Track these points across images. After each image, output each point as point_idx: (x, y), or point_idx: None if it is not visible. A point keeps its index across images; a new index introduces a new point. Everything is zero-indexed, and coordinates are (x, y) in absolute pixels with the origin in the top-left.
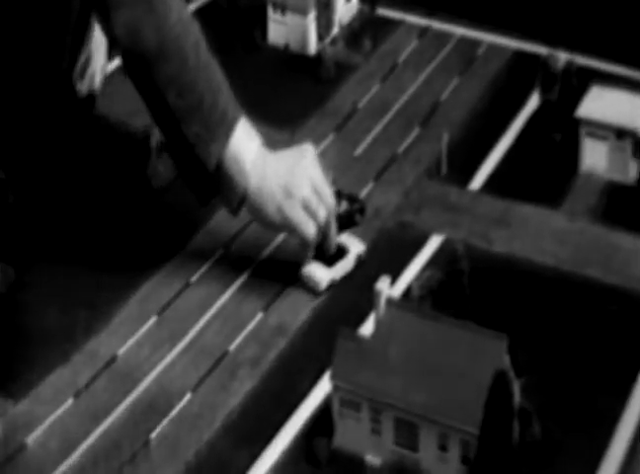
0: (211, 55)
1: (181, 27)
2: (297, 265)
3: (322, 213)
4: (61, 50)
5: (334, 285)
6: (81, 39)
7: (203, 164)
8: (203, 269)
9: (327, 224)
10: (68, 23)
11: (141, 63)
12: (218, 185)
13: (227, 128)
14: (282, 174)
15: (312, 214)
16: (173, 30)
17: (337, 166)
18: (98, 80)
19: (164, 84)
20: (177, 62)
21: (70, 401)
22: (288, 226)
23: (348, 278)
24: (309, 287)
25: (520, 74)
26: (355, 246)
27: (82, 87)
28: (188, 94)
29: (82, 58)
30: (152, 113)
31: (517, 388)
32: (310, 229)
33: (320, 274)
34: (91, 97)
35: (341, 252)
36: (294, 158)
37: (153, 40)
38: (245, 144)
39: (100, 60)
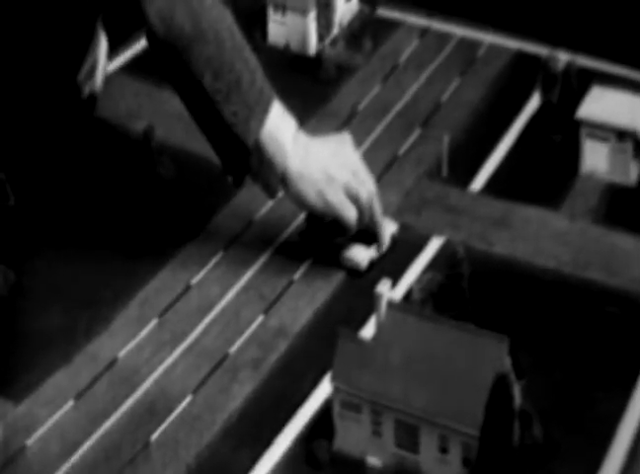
0: (245, 39)
1: (215, 9)
2: (298, 265)
3: (364, 197)
4: (67, 54)
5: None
6: (88, 42)
7: (243, 142)
8: (204, 271)
9: (371, 208)
10: (75, 26)
11: (176, 49)
12: (257, 166)
13: (265, 106)
14: (324, 159)
15: (354, 199)
16: (209, 12)
17: None
18: (99, 81)
19: (201, 67)
20: (214, 44)
21: (71, 403)
22: (330, 210)
23: (348, 281)
24: (350, 268)
25: (521, 75)
26: (388, 226)
27: (86, 88)
28: (226, 74)
29: (89, 62)
30: (185, 99)
31: (517, 390)
32: (352, 213)
33: (361, 254)
34: (92, 98)
35: (374, 233)
36: (336, 144)
37: (188, 24)
38: (283, 123)
39: (101, 61)
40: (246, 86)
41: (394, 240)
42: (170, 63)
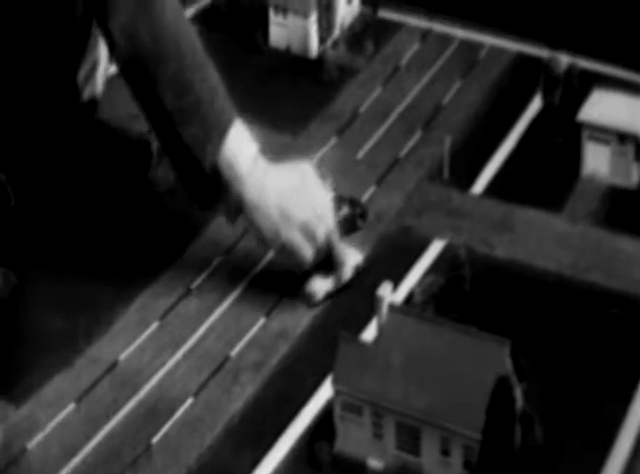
0: (208, 56)
1: (176, 26)
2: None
3: (321, 235)
4: (64, 55)
5: (333, 296)
6: (84, 43)
7: (200, 166)
8: (205, 274)
9: (329, 242)
10: (71, 27)
11: (139, 66)
12: (217, 190)
13: (223, 128)
14: (283, 193)
15: (310, 237)
16: (169, 29)
17: (338, 170)
18: (100, 84)
19: (162, 85)
20: (174, 62)
21: (71, 406)
22: (285, 247)
23: (348, 285)
24: (305, 298)
25: (522, 77)
26: (352, 256)
27: (85, 92)
28: (185, 94)
29: (88, 63)
30: (149, 116)
31: (519, 393)
32: (308, 252)
33: (318, 285)
34: (93, 101)
35: (338, 262)
36: (296, 178)
37: (150, 42)
38: (240, 148)
39: (102, 64)
40: (205, 107)
41: (357, 271)
42: (135, 81)
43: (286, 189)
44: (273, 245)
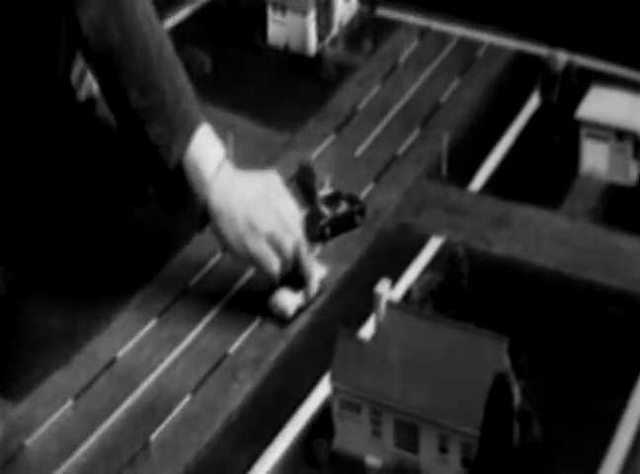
0: (177, 57)
1: (146, 24)
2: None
3: (288, 246)
4: (55, 55)
5: (303, 310)
6: (72, 43)
7: (166, 166)
8: (203, 271)
9: (297, 254)
10: (59, 28)
11: (107, 61)
12: (182, 194)
13: (189, 130)
14: (249, 202)
15: (277, 248)
16: (138, 26)
17: (337, 167)
18: (95, 83)
19: (128, 82)
20: (141, 60)
21: (70, 403)
22: (250, 258)
23: (347, 282)
24: (277, 315)
25: (521, 75)
26: (317, 270)
27: (81, 92)
28: (151, 93)
29: (80, 63)
30: (116, 114)
31: (517, 390)
32: (274, 264)
33: (288, 300)
34: (90, 101)
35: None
36: (263, 185)
37: (118, 38)
38: (206, 151)
39: None
40: (170, 107)
41: (323, 284)
42: (101, 76)
43: (253, 197)
44: (239, 255)
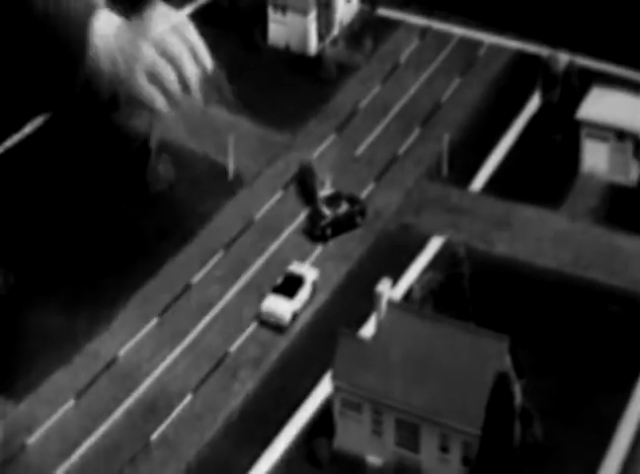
0: None
1: None
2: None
3: (171, 77)
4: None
5: (299, 315)
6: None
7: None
8: (204, 270)
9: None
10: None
11: None
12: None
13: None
14: (126, 36)
15: (159, 81)
16: None
17: (337, 167)
18: None
19: None
20: None
21: (71, 402)
22: (134, 98)
23: (348, 281)
24: (272, 324)
25: (521, 75)
26: (309, 273)
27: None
28: None
29: None
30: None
31: (518, 389)
32: (158, 99)
33: (283, 307)
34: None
35: (298, 280)
36: (150, 21)
37: None
38: (104, 15)
39: None
40: None
41: (315, 287)
42: None
43: (131, 30)
44: (121, 93)
